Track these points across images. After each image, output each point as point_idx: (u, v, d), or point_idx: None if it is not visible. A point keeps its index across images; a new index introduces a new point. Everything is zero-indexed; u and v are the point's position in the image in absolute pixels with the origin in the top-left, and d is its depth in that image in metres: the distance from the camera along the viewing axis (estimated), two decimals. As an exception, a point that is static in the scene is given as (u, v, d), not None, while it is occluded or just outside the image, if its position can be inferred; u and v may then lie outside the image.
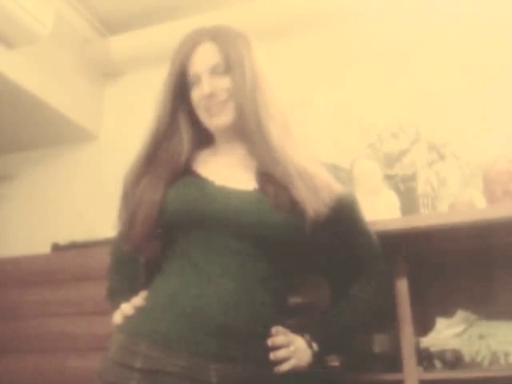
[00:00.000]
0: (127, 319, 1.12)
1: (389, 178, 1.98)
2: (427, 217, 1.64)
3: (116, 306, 1.17)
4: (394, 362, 1.46)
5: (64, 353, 1.97)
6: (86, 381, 1.89)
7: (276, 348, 1.08)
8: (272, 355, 1.07)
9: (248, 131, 1.16)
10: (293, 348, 1.10)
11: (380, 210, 1.77)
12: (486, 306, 1.64)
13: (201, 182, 1.16)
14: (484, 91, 2.21)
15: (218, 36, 1.21)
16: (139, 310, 1.11)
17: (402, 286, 1.47)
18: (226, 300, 1.04)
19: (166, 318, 1.06)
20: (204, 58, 1.19)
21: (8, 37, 2.24)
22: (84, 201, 2.70)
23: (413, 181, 1.95)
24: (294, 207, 1.08)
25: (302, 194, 1.08)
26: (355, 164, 1.95)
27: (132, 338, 1.06)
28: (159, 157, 1.19)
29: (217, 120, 1.19)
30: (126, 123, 2.78)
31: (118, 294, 1.20)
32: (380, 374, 1.49)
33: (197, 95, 1.20)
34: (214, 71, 1.18)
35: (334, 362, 1.49)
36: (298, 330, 1.15)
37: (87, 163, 2.82)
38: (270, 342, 1.07)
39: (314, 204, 1.08)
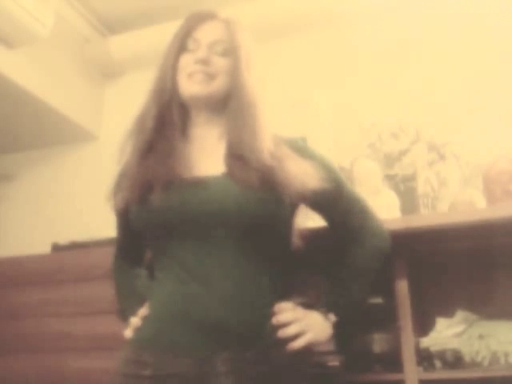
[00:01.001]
0: (134, 332, 1.12)
1: (389, 177, 1.98)
2: (427, 217, 1.63)
3: (127, 323, 1.18)
4: (394, 362, 1.46)
5: (64, 353, 1.96)
6: (86, 381, 1.89)
7: (284, 326, 1.06)
8: (280, 332, 1.05)
9: (232, 108, 1.15)
10: (304, 322, 1.08)
11: (380, 210, 1.76)
12: (485, 306, 1.64)
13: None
14: (484, 91, 2.21)
15: (230, 22, 1.22)
16: (142, 321, 1.12)
17: (402, 286, 1.47)
18: (220, 293, 1.03)
19: (164, 323, 1.06)
20: (210, 31, 1.20)
21: (8, 37, 2.24)
22: (84, 201, 2.70)
23: (413, 181, 1.95)
24: (268, 186, 1.07)
25: (287, 173, 1.09)
26: (355, 164, 1.95)
27: (136, 350, 1.06)
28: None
29: (197, 87, 1.15)
30: (126, 123, 2.78)
31: (129, 313, 1.19)
32: (380, 373, 1.49)
33: (187, 59, 1.17)
34: (213, 47, 1.18)
35: (334, 361, 1.49)
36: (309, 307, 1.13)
37: (87, 163, 2.82)
38: (274, 320, 1.05)
39: (299, 183, 1.09)
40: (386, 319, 1.55)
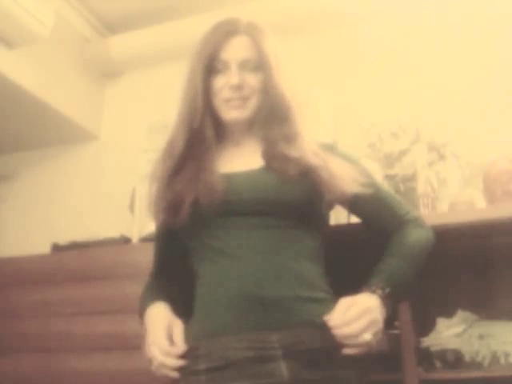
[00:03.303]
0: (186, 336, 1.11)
1: (389, 178, 1.98)
2: (427, 217, 1.63)
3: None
4: (394, 362, 1.46)
5: (64, 353, 1.97)
6: (85, 381, 1.89)
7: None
8: (344, 351, 1.02)
9: (267, 117, 1.18)
10: (363, 320, 1.03)
11: (380, 210, 1.76)
12: (485, 306, 1.64)
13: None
14: (484, 91, 2.21)
15: (254, 32, 1.21)
16: (191, 322, 1.12)
17: (402, 286, 1.47)
18: (262, 274, 1.05)
19: (214, 312, 1.07)
20: (237, 49, 1.19)
21: (8, 37, 2.23)
22: (84, 201, 2.70)
23: (413, 181, 1.95)
24: (310, 182, 1.12)
25: (332, 173, 1.13)
26: (355, 164, 1.95)
27: (192, 347, 1.07)
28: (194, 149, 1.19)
29: (236, 113, 1.18)
30: (126, 123, 2.78)
31: (149, 301, 1.21)
32: (380, 373, 1.49)
33: (221, 83, 1.18)
34: (243, 65, 1.18)
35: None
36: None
37: (87, 163, 2.82)
38: (336, 333, 1.03)
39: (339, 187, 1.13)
40: (386, 319, 1.55)
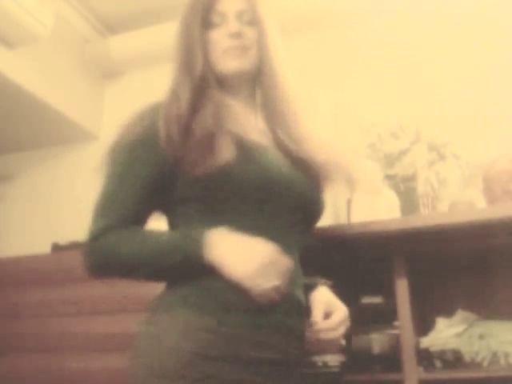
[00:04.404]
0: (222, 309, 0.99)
1: (389, 177, 1.98)
2: (427, 217, 1.64)
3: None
4: (394, 362, 1.47)
5: (64, 353, 1.96)
6: (85, 381, 1.89)
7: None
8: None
9: (268, 82, 1.14)
10: (344, 326, 1.09)
11: (380, 210, 1.77)
12: (485, 306, 1.64)
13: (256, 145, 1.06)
14: (484, 91, 2.21)
15: None
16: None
17: (402, 286, 1.47)
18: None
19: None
20: (233, 1, 1.14)
21: (8, 37, 2.24)
22: (84, 201, 2.68)
23: (413, 181, 1.95)
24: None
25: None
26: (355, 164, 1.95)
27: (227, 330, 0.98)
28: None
29: (236, 63, 1.11)
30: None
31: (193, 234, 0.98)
32: (380, 373, 1.49)
33: (219, 34, 1.12)
34: (240, 17, 1.13)
35: (334, 361, 1.49)
36: None
37: (87, 163, 2.80)
38: (320, 337, 1.05)
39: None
40: (386, 319, 1.55)
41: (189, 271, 0.95)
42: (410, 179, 1.96)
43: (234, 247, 0.94)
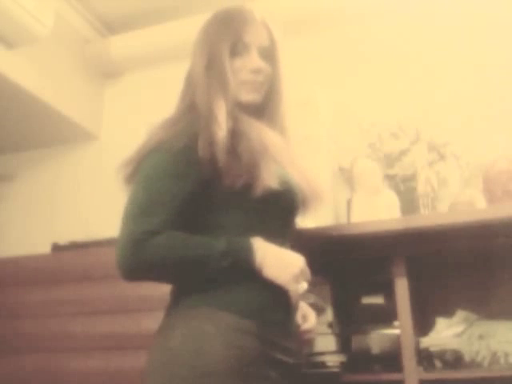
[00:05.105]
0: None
1: (389, 177, 1.98)
2: (427, 217, 1.64)
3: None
4: (394, 362, 1.47)
5: (64, 353, 1.97)
6: (85, 381, 1.89)
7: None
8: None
9: (272, 113, 1.26)
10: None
11: (380, 210, 1.77)
12: (485, 306, 1.64)
13: None
14: (484, 91, 2.21)
15: (269, 24, 1.27)
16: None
17: (402, 286, 1.47)
18: None
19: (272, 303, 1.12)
20: (258, 35, 1.23)
21: (8, 37, 2.23)
22: (84, 201, 2.70)
23: (413, 181, 1.95)
24: None
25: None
26: (355, 164, 1.96)
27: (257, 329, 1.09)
28: None
29: (251, 96, 1.21)
30: (126, 123, 2.78)
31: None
32: (380, 373, 1.49)
33: (242, 64, 1.21)
34: (262, 52, 1.23)
35: (334, 362, 1.49)
36: None
37: (87, 163, 2.82)
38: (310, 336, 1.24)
39: None
40: (386, 319, 1.55)
41: (229, 275, 1.04)
42: (410, 179, 1.96)
43: (273, 255, 1.07)
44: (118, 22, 2.82)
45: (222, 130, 1.08)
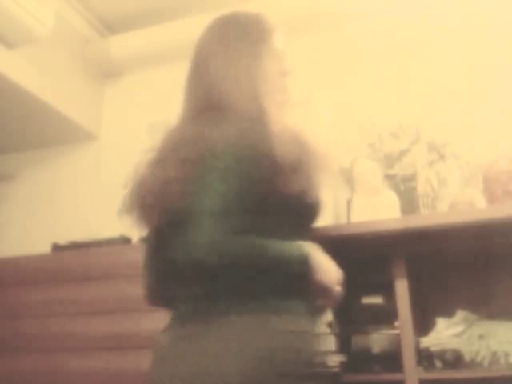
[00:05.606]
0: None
1: (389, 177, 1.98)
2: (427, 217, 1.64)
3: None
4: (394, 361, 1.47)
5: (64, 353, 1.97)
6: (86, 381, 1.89)
7: None
8: None
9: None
10: None
11: (380, 210, 1.77)
12: (485, 306, 1.64)
13: None
14: (484, 91, 2.21)
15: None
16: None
17: (402, 286, 1.47)
18: None
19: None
20: (285, 43, 1.31)
21: (8, 37, 2.23)
22: (84, 201, 2.70)
23: (413, 181, 1.95)
24: None
25: None
26: (355, 164, 1.96)
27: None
28: None
29: (279, 97, 1.24)
30: (126, 123, 2.78)
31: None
32: (380, 373, 1.49)
33: (277, 67, 1.26)
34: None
35: (334, 362, 1.49)
36: None
37: (87, 163, 2.82)
38: None
39: None
40: (386, 319, 1.55)
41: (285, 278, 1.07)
42: (410, 179, 1.96)
43: (321, 259, 1.11)
44: (118, 22, 2.82)
45: (283, 132, 1.12)
